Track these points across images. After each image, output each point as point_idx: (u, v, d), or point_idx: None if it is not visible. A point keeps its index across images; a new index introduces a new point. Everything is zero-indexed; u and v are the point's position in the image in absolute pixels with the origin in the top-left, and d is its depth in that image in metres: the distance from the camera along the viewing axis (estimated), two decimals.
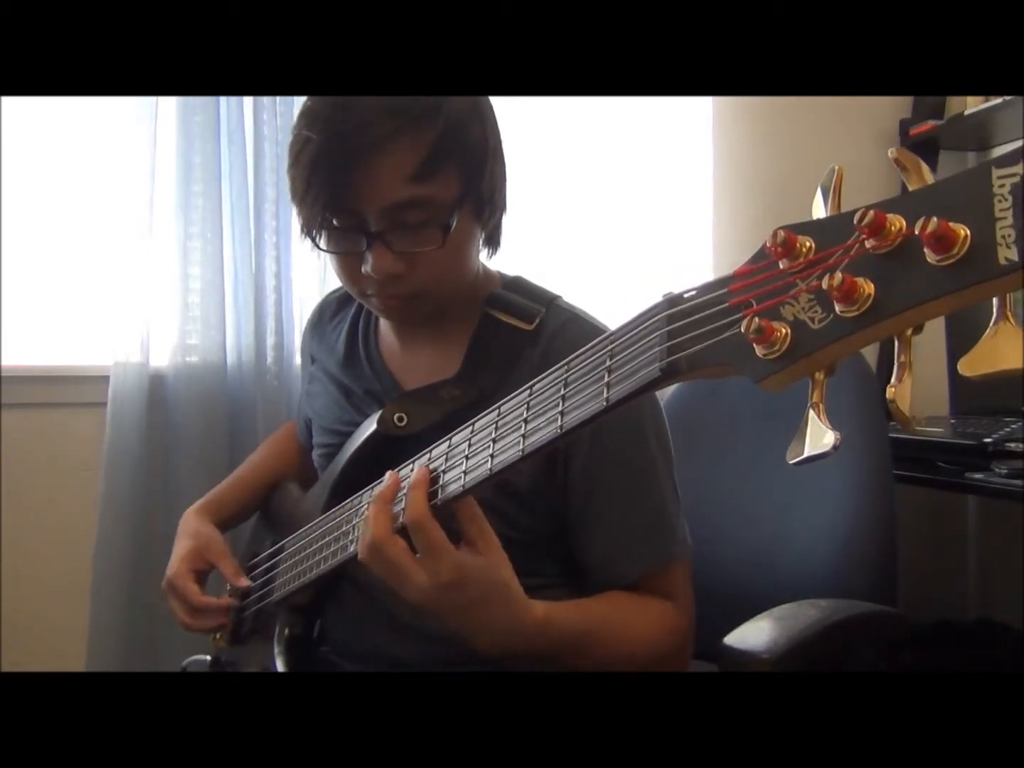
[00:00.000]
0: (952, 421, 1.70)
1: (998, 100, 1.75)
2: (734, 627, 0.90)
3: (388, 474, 0.78)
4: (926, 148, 1.93)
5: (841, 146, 1.99)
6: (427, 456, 0.76)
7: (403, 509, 0.73)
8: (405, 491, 0.74)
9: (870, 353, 1.72)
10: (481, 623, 0.75)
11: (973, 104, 1.83)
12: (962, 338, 1.72)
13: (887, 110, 2.02)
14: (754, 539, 1.23)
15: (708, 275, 2.15)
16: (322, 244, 0.91)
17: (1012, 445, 1.39)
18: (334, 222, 0.89)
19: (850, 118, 2.00)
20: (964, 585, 2.04)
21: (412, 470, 0.77)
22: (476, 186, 0.90)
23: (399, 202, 0.86)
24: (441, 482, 0.72)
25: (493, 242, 0.98)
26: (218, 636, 1.13)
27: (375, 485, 0.83)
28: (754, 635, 0.88)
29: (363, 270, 0.89)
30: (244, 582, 1.05)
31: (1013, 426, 1.47)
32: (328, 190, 0.86)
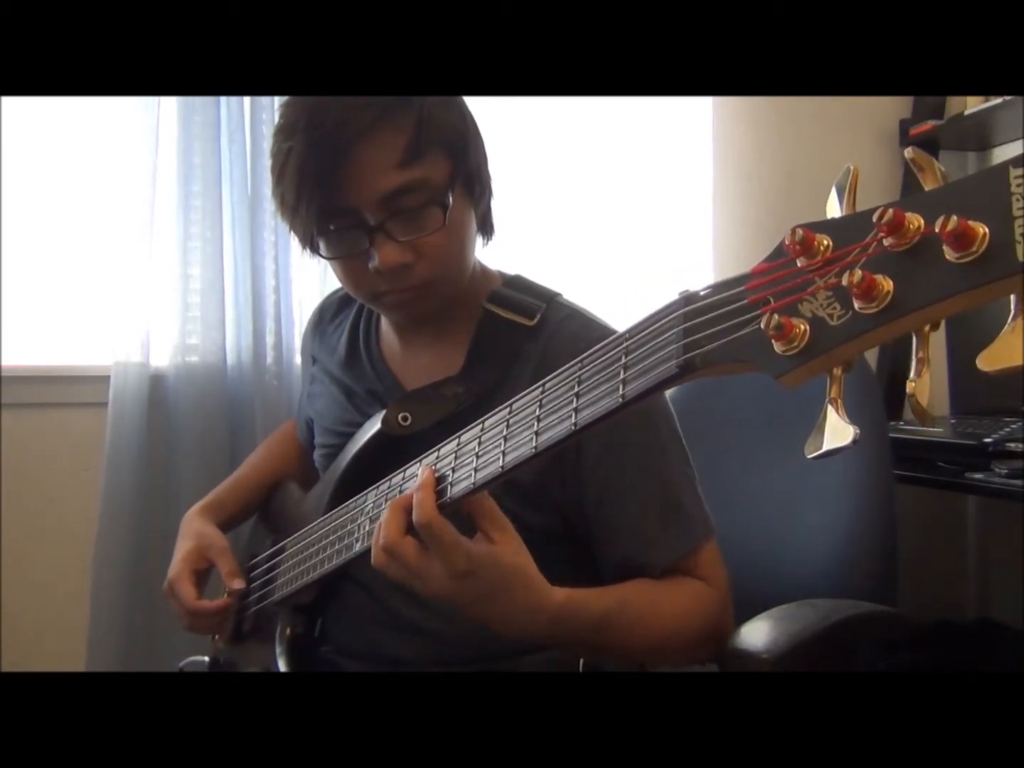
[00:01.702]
0: (952, 421, 1.70)
1: (998, 100, 1.75)
2: (735, 627, 0.90)
3: (422, 468, 0.76)
4: (926, 148, 1.91)
5: (841, 146, 1.99)
6: (435, 455, 0.76)
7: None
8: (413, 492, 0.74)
9: (870, 354, 1.72)
10: (501, 609, 0.75)
11: (973, 104, 1.83)
12: (962, 339, 1.72)
13: (887, 110, 2.02)
14: (754, 539, 1.23)
15: (708, 275, 2.14)
16: (324, 251, 0.91)
17: (1012, 445, 1.39)
18: (331, 227, 0.88)
19: (850, 118, 2.00)
20: (964, 585, 2.04)
21: (420, 468, 0.77)
22: (464, 162, 0.89)
23: (393, 190, 0.85)
24: (449, 480, 0.72)
25: (486, 227, 0.98)
26: (216, 637, 1.13)
27: (379, 484, 0.84)
28: (754, 635, 0.88)
29: (370, 267, 0.88)
30: (238, 584, 1.03)
31: (1013, 426, 1.47)
32: (320, 194, 0.85)
